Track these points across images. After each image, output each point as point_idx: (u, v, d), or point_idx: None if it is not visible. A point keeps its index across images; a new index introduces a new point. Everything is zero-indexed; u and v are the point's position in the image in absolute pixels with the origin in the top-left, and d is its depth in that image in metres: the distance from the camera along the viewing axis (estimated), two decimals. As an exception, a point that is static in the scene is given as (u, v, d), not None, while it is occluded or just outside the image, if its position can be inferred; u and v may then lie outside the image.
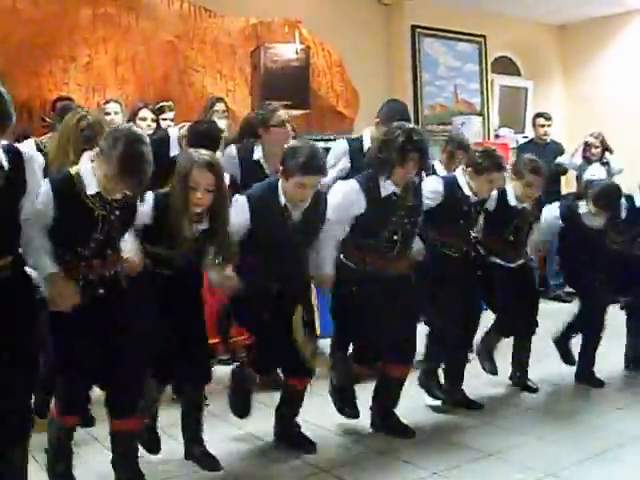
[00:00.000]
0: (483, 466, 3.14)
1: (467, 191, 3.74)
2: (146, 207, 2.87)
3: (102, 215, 2.67)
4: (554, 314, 4.63)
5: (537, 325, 4.15)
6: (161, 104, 5.38)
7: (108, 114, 4.87)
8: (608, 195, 4.20)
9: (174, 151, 3.74)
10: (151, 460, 3.11)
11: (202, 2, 6.51)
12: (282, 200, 3.14)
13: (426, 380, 3.89)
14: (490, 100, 8.47)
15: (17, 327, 2.48)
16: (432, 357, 3.91)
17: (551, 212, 4.28)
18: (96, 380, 2.84)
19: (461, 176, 3.78)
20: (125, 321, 2.82)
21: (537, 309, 4.18)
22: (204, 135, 3.55)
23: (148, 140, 2.66)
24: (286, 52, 6.30)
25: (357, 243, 3.36)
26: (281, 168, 3.16)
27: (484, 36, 8.38)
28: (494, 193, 3.89)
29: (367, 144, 4.28)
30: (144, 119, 5.02)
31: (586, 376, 4.31)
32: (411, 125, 3.42)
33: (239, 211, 3.11)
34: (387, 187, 3.31)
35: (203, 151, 2.96)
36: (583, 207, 4.24)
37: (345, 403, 3.59)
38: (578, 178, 6.81)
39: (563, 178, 7.35)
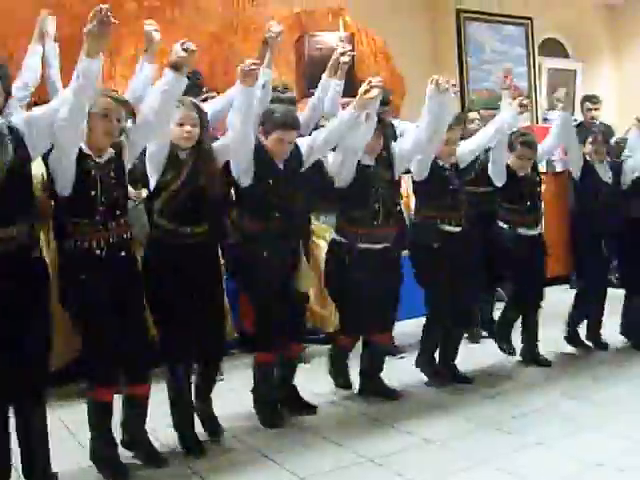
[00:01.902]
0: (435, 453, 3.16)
1: None
2: None
3: (99, 176, 2.81)
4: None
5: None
6: (207, 95, 5.36)
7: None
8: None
9: None
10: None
11: (245, -8, 6.51)
12: None
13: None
14: (538, 83, 8.29)
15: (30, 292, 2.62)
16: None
17: None
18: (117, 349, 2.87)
19: None
20: (140, 289, 3.00)
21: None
22: None
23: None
24: (330, 40, 6.24)
25: (347, 217, 3.70)
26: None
27: (530, 18, 8.21)
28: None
29: None
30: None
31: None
32: None
33: None
34: (364, 159, 3.69)
35: None
36: None
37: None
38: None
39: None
